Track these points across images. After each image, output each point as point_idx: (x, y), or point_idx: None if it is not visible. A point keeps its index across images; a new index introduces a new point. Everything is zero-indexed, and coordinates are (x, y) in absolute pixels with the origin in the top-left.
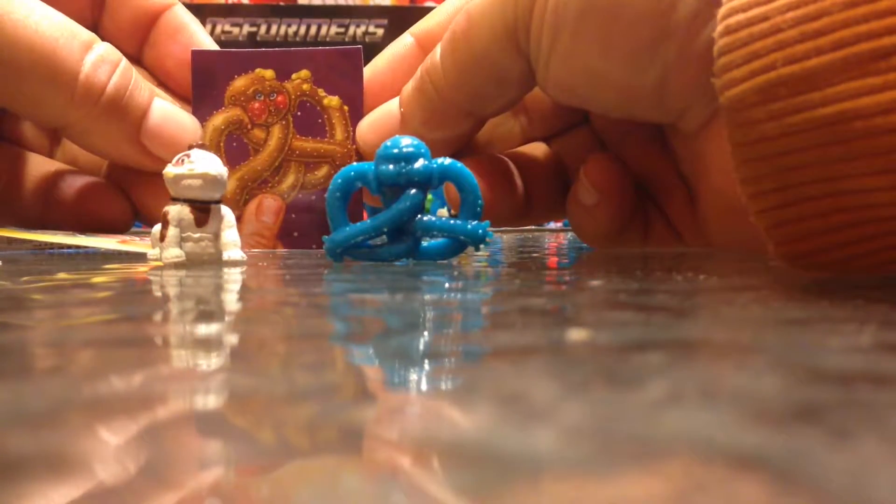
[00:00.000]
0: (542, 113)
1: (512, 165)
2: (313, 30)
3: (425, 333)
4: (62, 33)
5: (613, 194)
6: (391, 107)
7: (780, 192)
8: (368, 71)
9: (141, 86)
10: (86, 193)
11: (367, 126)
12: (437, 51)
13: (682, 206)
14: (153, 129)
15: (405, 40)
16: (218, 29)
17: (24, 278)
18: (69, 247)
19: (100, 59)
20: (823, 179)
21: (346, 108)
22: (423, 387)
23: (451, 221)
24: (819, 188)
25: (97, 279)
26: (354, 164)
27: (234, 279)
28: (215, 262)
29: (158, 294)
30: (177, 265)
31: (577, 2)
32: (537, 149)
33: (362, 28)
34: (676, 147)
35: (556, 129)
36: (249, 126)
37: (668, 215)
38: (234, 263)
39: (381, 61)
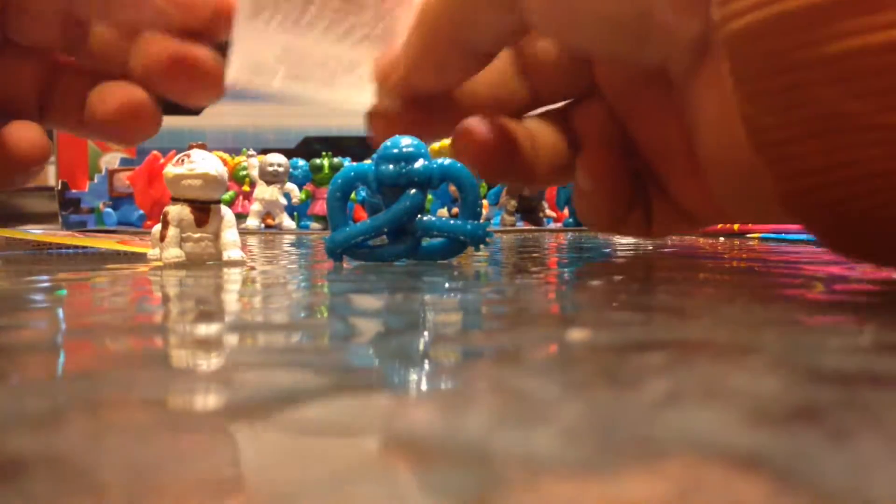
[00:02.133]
0: (547, 74)
1: (519, 126)
2: None
3: (425, 333)
4: None
5: (607, 181)
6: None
7: (783, 129)
8: None
9: None
10: None
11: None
12: None
13: (687, 175)
14: None
15: None
16: None
17: (25, 279)
18: (69, 247)
19: None
20: (828, 115)
21: None
22: (423, 387)
23: (451, 221)
24: (823, 124)
25: (97, 279)
26: (354, 164)
27: (234, 279)
28: (215, 262)
29: (158, 294)
30: (177, 265)
31: None
32: (547, 114)
33: None
34: (676, 102)
35: (564, 92)
36: None
37: (671, 191)
38: (234, 263)
39: None
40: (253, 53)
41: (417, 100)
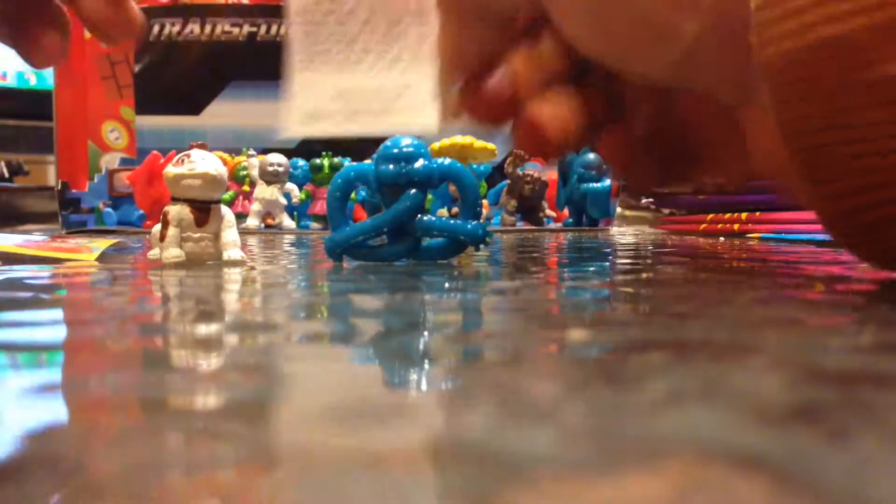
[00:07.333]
0: None
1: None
2: None
3: (425, 333)
4: None
5: (628, 168)
6: None
7: (822, 151)
8: None
9: None
10: None
11: None
12: None
13: (735, 154)
14: None
15: None
16: (218, 29)
17: (17, 275)
18: None
19: None
20: (866, 139)
21: None
22: (424, 387)
23: (451, 221)
24: (860, 148)
25: (95, 277)
26: (354, 164)
27: (234, 279)
28: (215, 261)
29: (158, 294)
30: (177, 265)
31: None
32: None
33: None
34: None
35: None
36: None
37: (717, 159)
38: (234, 263)
39: None
40: (309, 101)
41: (473, 79)
